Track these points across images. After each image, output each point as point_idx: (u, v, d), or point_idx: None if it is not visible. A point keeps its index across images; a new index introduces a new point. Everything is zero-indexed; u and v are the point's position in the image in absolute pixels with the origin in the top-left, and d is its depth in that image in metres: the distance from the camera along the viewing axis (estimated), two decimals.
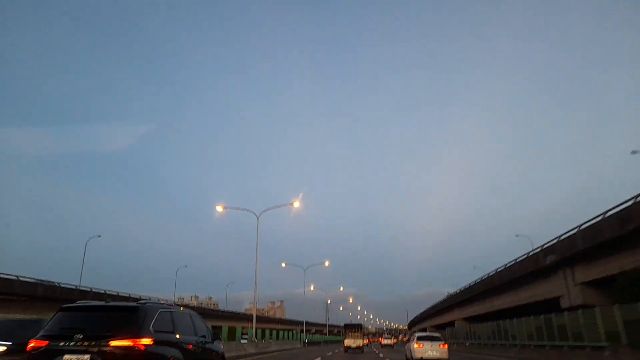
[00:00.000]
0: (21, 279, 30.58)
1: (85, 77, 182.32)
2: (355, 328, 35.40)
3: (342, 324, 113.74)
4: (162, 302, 7.01)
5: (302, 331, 51.20)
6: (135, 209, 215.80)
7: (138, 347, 5.12)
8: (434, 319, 63.50)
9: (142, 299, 6.54)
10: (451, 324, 44.98)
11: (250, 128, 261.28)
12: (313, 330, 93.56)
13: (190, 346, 6.30)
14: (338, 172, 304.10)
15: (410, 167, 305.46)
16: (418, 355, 17.49)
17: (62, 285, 33.47)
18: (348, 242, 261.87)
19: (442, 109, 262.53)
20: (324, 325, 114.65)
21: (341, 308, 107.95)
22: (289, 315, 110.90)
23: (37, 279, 32.20)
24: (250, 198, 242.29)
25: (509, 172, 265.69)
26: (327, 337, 77.63)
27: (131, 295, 40.77)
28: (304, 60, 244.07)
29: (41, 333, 5.41)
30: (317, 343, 54.72)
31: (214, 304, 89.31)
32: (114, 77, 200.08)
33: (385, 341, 63.48)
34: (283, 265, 56.10)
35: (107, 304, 5.84)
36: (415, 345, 17.83)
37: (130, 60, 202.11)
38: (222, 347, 7.81)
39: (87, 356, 5.18)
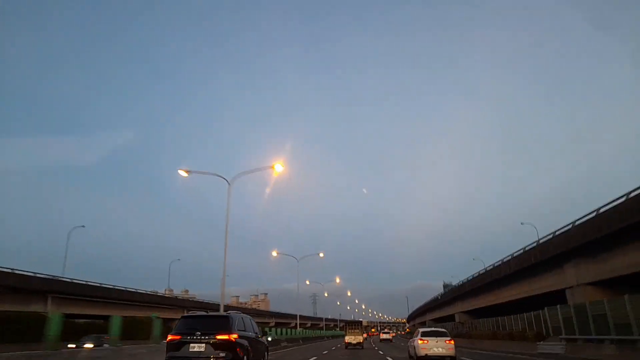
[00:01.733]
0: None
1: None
2: (355, 325, 38.29)
3: (323, 318, 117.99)
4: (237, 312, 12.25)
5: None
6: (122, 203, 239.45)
7: (231, 339, 10.16)
8: (467, 302, 51.79)
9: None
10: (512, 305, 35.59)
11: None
12: (292, 324, 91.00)
13: (252, 339, 11.69)
14: (329, 162, 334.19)
15: (402, 162, 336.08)
16: (422, 353, 17.60)
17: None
18: (338, 236, 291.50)
19: (436, 98, 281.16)
20: (310, 318, 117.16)
21: (331, 298, 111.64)
22: (273, 309, 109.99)
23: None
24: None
25: (503, 165, 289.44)
26: (302, 332, 63.28)
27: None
28: (295, 49, 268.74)
29: (174, 331, 10.49)
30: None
31: (190, 298, 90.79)
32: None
33: (384, 335, 66.90)
34: (275, 254, 55.18)
35: (209, 314, 12.08)
36: (419, 342, 17.98)
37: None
38: (266, 340, 14.65)
39: (204, 344, 10.06)
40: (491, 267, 38.65)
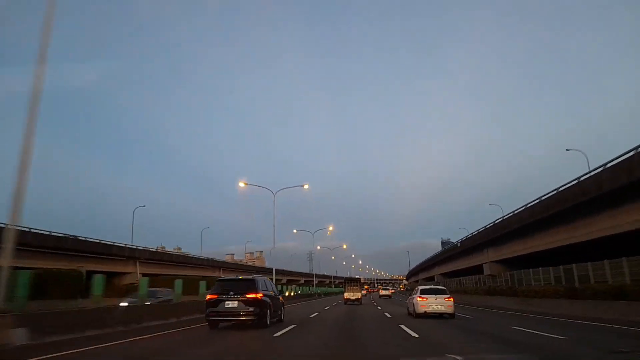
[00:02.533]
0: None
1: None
2: (354, 282, 41.29)
3: (314, 274, 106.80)
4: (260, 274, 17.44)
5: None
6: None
7: (258, 297, 13.71)
8: (507, 247, 38.71)
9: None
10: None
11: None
12: (284, 280, 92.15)
13: (272, 297, 15.61)
14: (327, 124, 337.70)
15: (398, 120, 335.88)
16: (421, 310, 18.62)
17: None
18: (334, 196, 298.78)
19: (431, 57, 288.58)
20: (303, 274, 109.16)
21: (326, 253, 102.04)
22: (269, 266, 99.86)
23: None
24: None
25: (497, 126, 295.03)
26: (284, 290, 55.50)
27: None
28: (295, 27, 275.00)
29: (212, 291, 14.14)
30: None
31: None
32: None
33: (383, 292, 68.22)
34: (242, 185, 42.28)
35: (239, 277, 15.27)
36: (418, 299, 18.97)
37: None
38: (282, 297, 18.48)
39: (236, 302, 13.40)
40: (575, 181, 25.54)
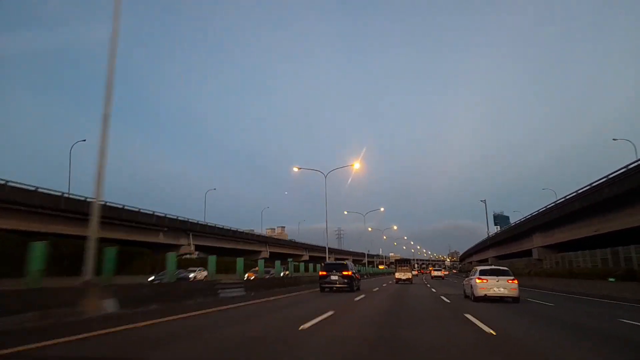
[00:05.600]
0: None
1: None
2: (404, 263, 58.19)
3: (319, 249, 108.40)
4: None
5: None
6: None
7: (349, 274, 26.27)
8: None
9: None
10: None
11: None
12: (304, 256, 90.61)
13: (355, 274, 29.86)
14: (360, 105, 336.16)
15: (433, 100, 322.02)
16: (481, 293, 17.84)
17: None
18: (372, 177, 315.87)
19: (468, 42, 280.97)
20: (333, 250, 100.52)
21: (369, 232, 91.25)
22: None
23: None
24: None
25: (534, 107, 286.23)
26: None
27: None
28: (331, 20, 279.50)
29: (322, 269, 27.41)
30: None
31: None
32: None
33: (435, 273, 72.02)
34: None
35: (337, 261, 34.46)
36: (478, 281, 18.13)
37: None
38: (358, 275, 33.18)
39: (337, 276, 25.83)
40: None
